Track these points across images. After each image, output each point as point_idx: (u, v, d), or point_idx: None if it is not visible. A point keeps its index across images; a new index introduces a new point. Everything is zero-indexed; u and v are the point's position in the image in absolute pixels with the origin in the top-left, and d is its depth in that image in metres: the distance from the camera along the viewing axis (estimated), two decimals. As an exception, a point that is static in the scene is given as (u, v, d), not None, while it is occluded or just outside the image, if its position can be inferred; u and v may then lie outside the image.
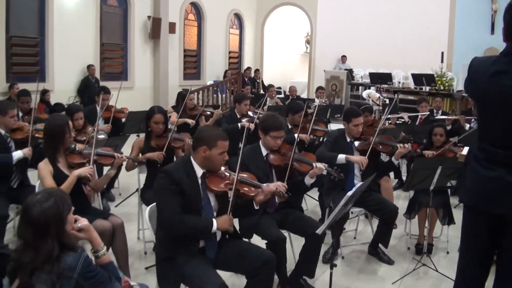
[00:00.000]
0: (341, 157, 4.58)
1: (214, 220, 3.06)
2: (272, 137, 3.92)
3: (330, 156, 4.61)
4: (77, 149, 3.89)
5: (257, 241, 3.63)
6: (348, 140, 4.75)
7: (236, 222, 3.54)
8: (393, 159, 4.70)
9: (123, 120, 6.85)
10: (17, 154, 4.53)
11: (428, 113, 7.97)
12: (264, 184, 3.52)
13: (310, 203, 6.15)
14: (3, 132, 4.65)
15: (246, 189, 3.29)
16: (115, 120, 6.65)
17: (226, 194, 3.25)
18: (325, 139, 6.07)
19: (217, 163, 3.18)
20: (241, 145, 6.27)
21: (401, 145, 4.63)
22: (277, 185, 3.53)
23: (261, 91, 14.52)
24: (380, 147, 4.77)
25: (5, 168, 4.47)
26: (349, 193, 3.08)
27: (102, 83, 10.86)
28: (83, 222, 2.37)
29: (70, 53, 11.06)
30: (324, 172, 4.10)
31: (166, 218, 2.99)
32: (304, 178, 3.95)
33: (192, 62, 15.58)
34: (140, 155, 4.72)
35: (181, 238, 3.05)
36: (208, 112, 7.33)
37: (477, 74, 2.63)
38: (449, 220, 4.75)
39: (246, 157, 3.80)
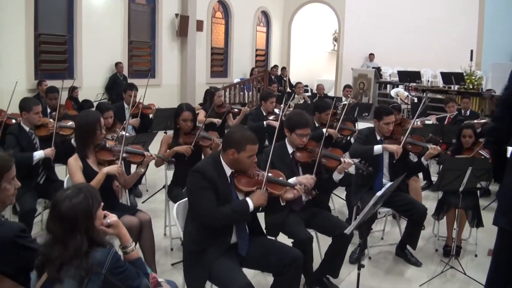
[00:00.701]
0: (378, 147, 4.55)
1: (248, 199, 3.07)
2: (298, 135, 3.88)
3: (366, 149, 4.56)
4: (107, 145, 3.91)
5: (283, 239, 3.61)
6: (378, 138, 4.69)
7: (261, 219, 3.54)
8: (422, 159, 4.63)
9: (151, 116, 6.89)
10: (38, 154, 4.52)
11: (456, 113, 7.84)
12: (293, 178, 3.51)
13: (337, 203, 6.10)
14: (27, 128, 4.71)
15: (274, 189, 3.28)
16: (143, 116, 6.68)
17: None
18: (351, 138, 6.02)
19: (246, 166, 3.17)
20: (266, 143, 6.30)
21: (432, 146, 4.56)
22: (307, 178, 3.56)
23: (288, 89, 14.48)
24: (410, 147, 4.70)
25: (24, 166, 4.41)
26: (379, 193, 3.04)
27: (130, 81, 10.97)
28: (112, 218, 2.37)
29: (99, 51, 11.18)
30: (352, 169, 4.05)
31: (205, 214, 2.99)
32: (332, 174, 3.91)
33: (219, 60, 15.62)
34: (168, 151, 4.74)
35: (212, 233, 3.06)
36: (236, 110, 7.33)
37: None
38: (478, 222, 4.67)
39: (272, 154, 3.77)
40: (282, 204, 3.38)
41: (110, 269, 2.11)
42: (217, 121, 6.93)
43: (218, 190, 3.05)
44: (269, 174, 3.31)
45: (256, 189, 3.18)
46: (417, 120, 7.25)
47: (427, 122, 7.90)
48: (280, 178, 3.42)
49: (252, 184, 3.21)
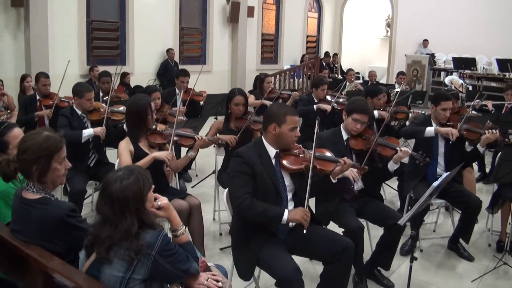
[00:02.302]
0: (430, 129, 4.43)
1: (286, 210, 2.99)
2: (354, 120, 3.79)
3: (416, 130, 4.46)
4: (158, 129, 3.96)
5: (333, 228, 3.55)
6: (434, 125, 4.55)
7: (312, 205, 3.48)
8: (478, 146, 4.45)
9: (201, 103, 6.92)
10: (87, 132, 4.59)
11: (515, 102, 7.47)
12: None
13: (389, 193, 5.99)
14: (79, 112, 4.80)
15: (322, 166, 3.19)
16: (193, 102, 6.73)
17: (301, 173, 3.19)
18: (407, 122, 5.88)
19: (289, 140, 3.10)
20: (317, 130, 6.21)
21: (489, 131, 4.39)
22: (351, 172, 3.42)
23: (339, 76, 14.28)
24: (466, 133, 4.54)
25: (74, 144, 4.44)
26: (435, 184, 2.94)
27: (181, 67, 11.04)
28: (163, 200, 2.37)
29: (150, 37, 11.27)
30: (406, 160, 3.93)
31: (235, 202, 2.98)
32: (388, 164, 3.80)
33: (269, 46, 15.53)
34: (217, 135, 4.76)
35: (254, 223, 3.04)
36: (285, 95, 7.26)
37: None
38: (535, 218, 4.47)
39: (327, 141, 3.72)
40: (334, 181, 3.27)
41: (160, 251, 2.11)
42: (269, 103, 6.88)
43: (260, 172, 3.00)
44: (317, 153, 3.21)
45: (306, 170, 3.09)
46: (474, 102, 6.97)
47: (484, 107, 7.56)
48: (327, 154, 3.32)
49: (300, 162, 3.15)
